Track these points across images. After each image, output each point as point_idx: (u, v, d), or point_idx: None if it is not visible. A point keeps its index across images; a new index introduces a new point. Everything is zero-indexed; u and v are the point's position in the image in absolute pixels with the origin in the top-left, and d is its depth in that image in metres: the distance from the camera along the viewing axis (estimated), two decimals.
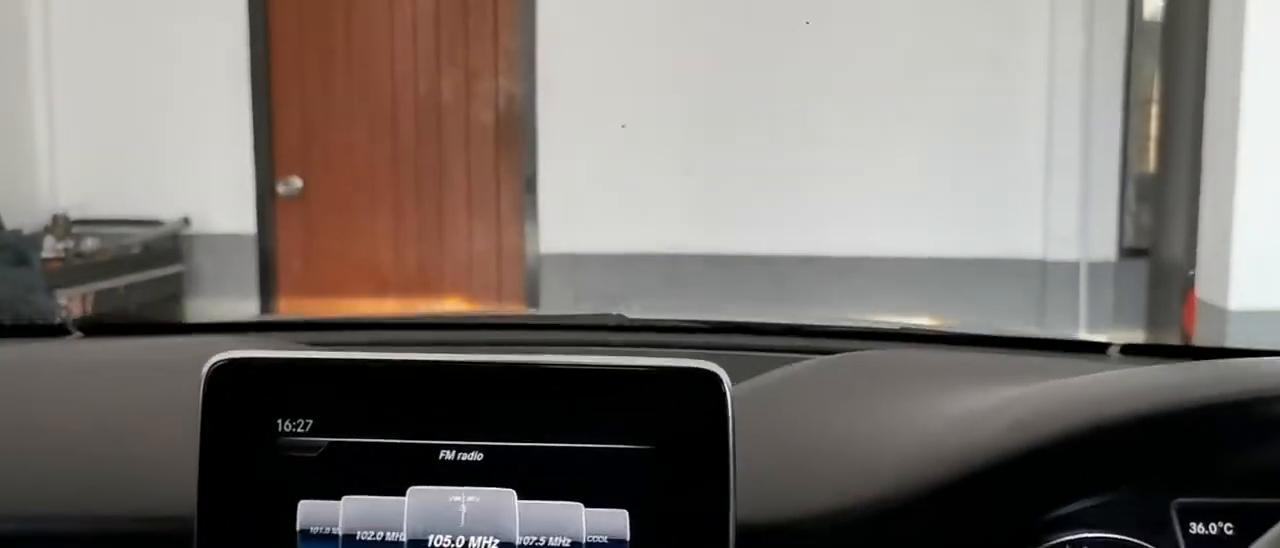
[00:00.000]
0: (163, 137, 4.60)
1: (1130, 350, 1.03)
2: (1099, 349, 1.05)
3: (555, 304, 4.61)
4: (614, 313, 1.14)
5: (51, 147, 4.66)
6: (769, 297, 4.40)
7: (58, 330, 1.15)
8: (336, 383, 0.63)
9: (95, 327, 1.15)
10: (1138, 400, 0.62)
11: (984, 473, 0.62)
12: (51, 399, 0.85)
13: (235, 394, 0.62)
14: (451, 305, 4.72)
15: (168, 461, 0.70)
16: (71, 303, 3.92)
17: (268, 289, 4.76)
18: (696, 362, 0.61)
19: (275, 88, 4.65)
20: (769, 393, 0.82)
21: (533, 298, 4.62)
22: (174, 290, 4.58)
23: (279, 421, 0.62)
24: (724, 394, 0.60)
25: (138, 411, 0.81)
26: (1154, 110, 4.30)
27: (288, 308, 4.77)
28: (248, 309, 4.68)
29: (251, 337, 1.12)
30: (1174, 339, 3.98)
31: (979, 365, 0.92)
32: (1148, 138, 4.34)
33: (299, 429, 0.62)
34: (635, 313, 1.24)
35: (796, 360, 0.94)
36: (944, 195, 4.38)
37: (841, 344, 1.01)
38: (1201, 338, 3.24)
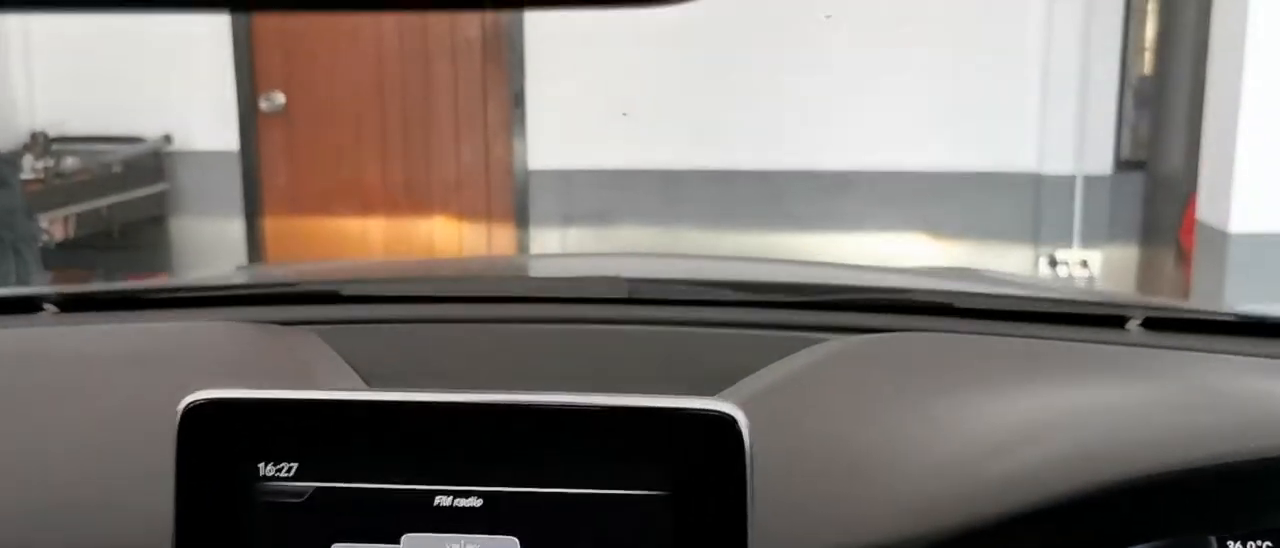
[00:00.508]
0: (142, 52, 4.47)
1: (1151, 325, 0.99)
2: (1118, 323, 1.01)
3: (545, 221, 4.54)
4: (622, 279, 1.09)
5: (27, 63, 4.55)
6: (765, 214, 4.35)
7: (31, 305, 1.09)
8: (323, 423, 0.58)
9: (71, 301, 1.10)
10: (1192, 449, 0.58)
11: (1025, 517, 0.58)
12: (19, 405, 0.80)
13: (212, 437, 0.58)
14: (439, 223, 4.66)
15: (144, 487, 0.66)
16: (53, 226, 3.86)
17: (252, 208, 4.69)
18: (714, 403, 0.56)
19: None
20: (786, 397, 0.77)
21: (522, 215, 4.56)
22: (157, 210, 4.51)
23: (261, 464, 0.58)
24: (742, 439, 0.56)
25: (113, 424, 0.76)
26: (1153, 16, 4.21)
27: (272, 228, 4.70)
28: (232, 231, 4.62)
29: (237, 310, 1.07)
30: (1169, 257, 3.96)
31: (1002, 354, 0.88)
32: (1146, 47, 4.25)
33: (283, 473, 0.58)
34: (638, 270, 1.19)
35: (815, 339, 0.89)
36: (939, 108, 4.30)
37: (859, 320, 0.97)
38: (1200, 260, 3.20)
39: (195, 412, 0.58)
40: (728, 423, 0.56)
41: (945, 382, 0.79)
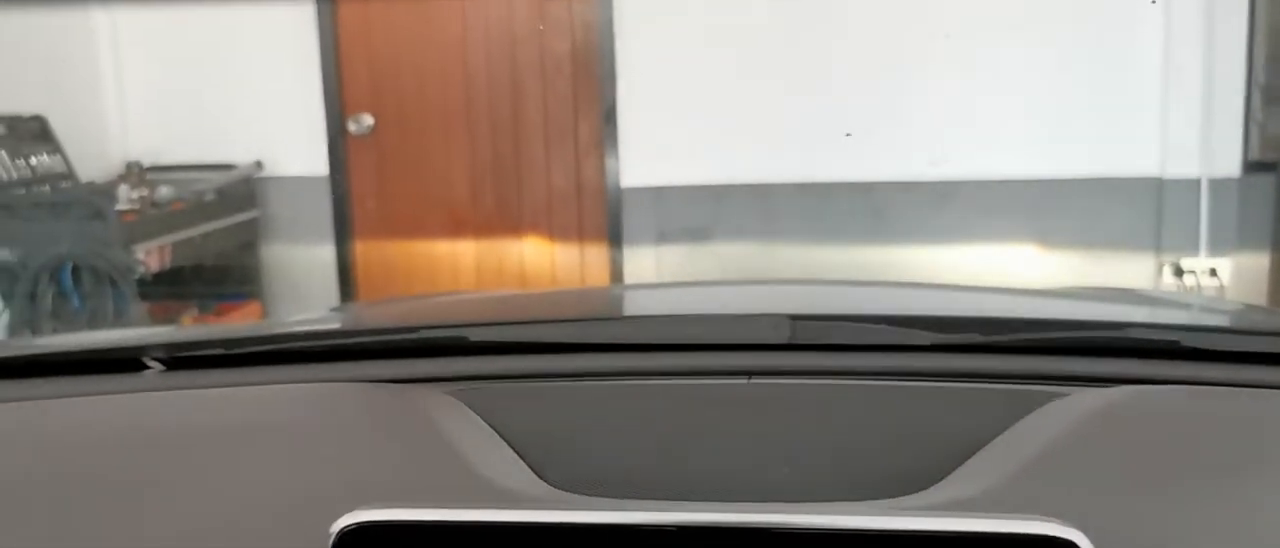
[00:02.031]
0: (231, 78, 4.47)
1: None
2: None
3: (638, 240, 4.42)
4: (782, 316, 0.95)
5: (120, 93, 4.56)
6: (866, 228, 4.18)
7: (135, 364, 0.99)
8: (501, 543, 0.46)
9: (178, 358, 0.99)
10: None
11: None
12: (131, 493, 0.69)
13: None
14: (531, 243, 4.56)
15: None
16: (149, 257, 3.83)
17: (342, 232, 4.64)
18: (1041, 524, 0.42)
19: (342, 22, 4.48)
20: (1071, 479, 0.63)
21: (615, 234, 4.44)
22: (249, 237, 4.49)
23: None
24: None
25: (237, 519, 0.64)
26: None
27: (363, 253, 4.65)
28: (324, 256, 4.57)
29: (355, 365, 0.96)
30: None
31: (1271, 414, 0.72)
32: (1277, 38, 3.99)
33: None
34: (791, 305, 1.04)
35: (1036, 393, 0.75)
36: (1050, 110, 4.09)
37: (1081, 366, 0.82)
38: None
39: (349, 538, 0.45)
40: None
41: (1232, 453, 0.64)
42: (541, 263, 4.56)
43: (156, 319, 3.96)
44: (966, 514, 0.45)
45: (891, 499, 0.60)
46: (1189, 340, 0.90)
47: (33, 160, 3.95)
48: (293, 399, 0.85)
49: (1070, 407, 0.71)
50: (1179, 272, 4.01)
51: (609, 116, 4.36)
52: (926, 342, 0.89)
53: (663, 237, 4.40)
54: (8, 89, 3.99)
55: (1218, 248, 4.01)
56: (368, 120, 4.54)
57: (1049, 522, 0.42)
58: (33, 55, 4.13)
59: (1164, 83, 4.00)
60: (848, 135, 4.09)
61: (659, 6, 4.20)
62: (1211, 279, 3.96)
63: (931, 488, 0.61)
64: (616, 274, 4.44)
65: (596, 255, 4.50)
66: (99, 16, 4.49)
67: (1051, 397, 0.73)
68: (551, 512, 0.50)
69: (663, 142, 4.31)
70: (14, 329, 3.65)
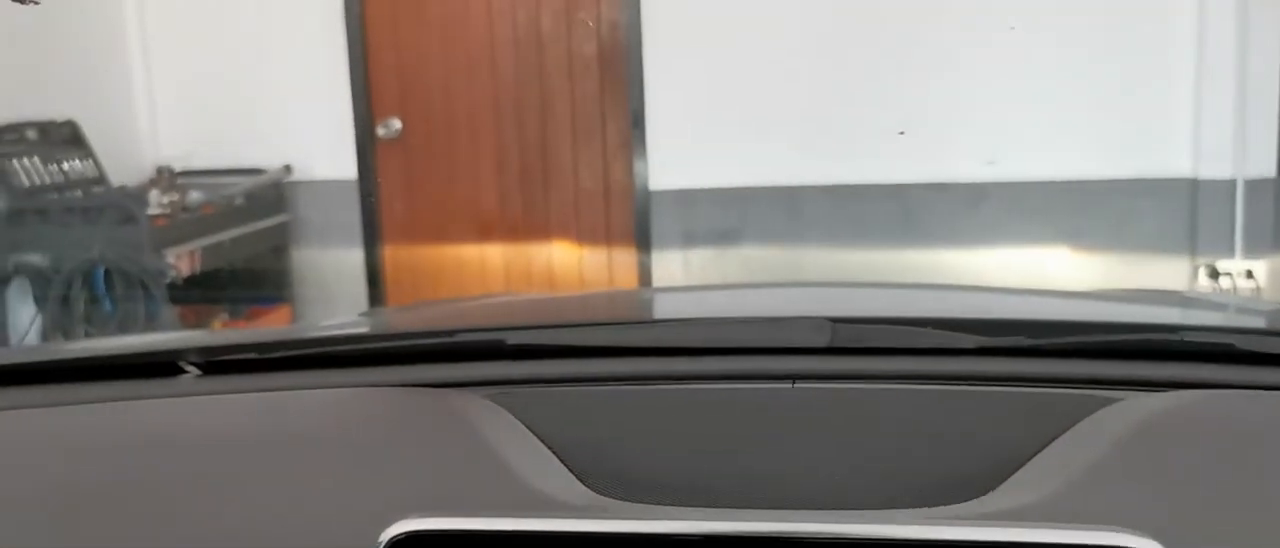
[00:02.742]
0: (260, 83, 4.49)
1: None
2: None
3: (666, 242, 4.41)
4: (822, 319, 0.93)
5: (151, 98, 4.59)
6: (896, 230, 4.15)
7: (171, 366, 0.99)
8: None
9: (214, 362, 0.99)
10: None
11: None
12: (170, 501, 0.68)
13: None
14: (559, 246, 4.56)
15: None
16: (179, 261, 3.85)
17: (371, 236, 4.65)
18: (1113, 535, 0.41)
19: (370, 26, 4.49)
20: (1134, 485, 0.61)
21: (643, 237, 4.43)
22: (279, 241, 4.50)
23: None
24: None
25: (279, 525, 0.64)
26: None
27: (392, 256, 4.66)
28: (353, 259, 4.59)
29: (393, 369, 0.95)
30: None
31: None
32: None
33: None
34: (829, 309, 1.03)
35: (1086, 397, 0.73)
36: (1082, 110, 4.05)
37: (1131, 369, 0.80)
38: None
39: (399, 545, 0.44)
40: None
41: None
42: (569, 266, 4.56)
43: (188, 323, 3.98)
44: (1030, 524, 0.44)
45: (946, 507, 0.58)
46: (1244, 343, 0.88)
47: (65, 165, 3.98)
48: (331, 404, 0.84)
49: (1127, 411, 0.70)
50: (1214, 273, 3.96)
51: (637, 119, 4.35)
52: (972, 345, 0.88)
53: (691, 239, 4.39)
54: (40, 94, 4.03)
55: (1253, 249, 3.96)
56: (396, 124, 4.55)
57: (1121, 532, 0.41)
58: (64, 61, 4.16)
59: (1197, 84, 3.95)
60: (902, 133, 4.04)
61: (686, 8, 4.19)
62: (1248, 281, 3.91)
63: (986, 495, 0.60)
64: (645, 277, 4.43)
65: (624, 258, 4.49)
66: (130, 22, 4.52)
67: (1105, 401, 0.72)
68: (601, 521, 0.49)
69: (690, 144, 4.29)
70: (47, 333, 3.67)
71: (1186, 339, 0.87)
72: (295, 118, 4.53)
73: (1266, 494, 0.60)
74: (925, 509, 0.57)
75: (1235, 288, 3.90)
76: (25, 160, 3.84)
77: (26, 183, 3.80)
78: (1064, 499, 0.56)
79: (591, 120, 4.44)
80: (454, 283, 4.59)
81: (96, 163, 4.12)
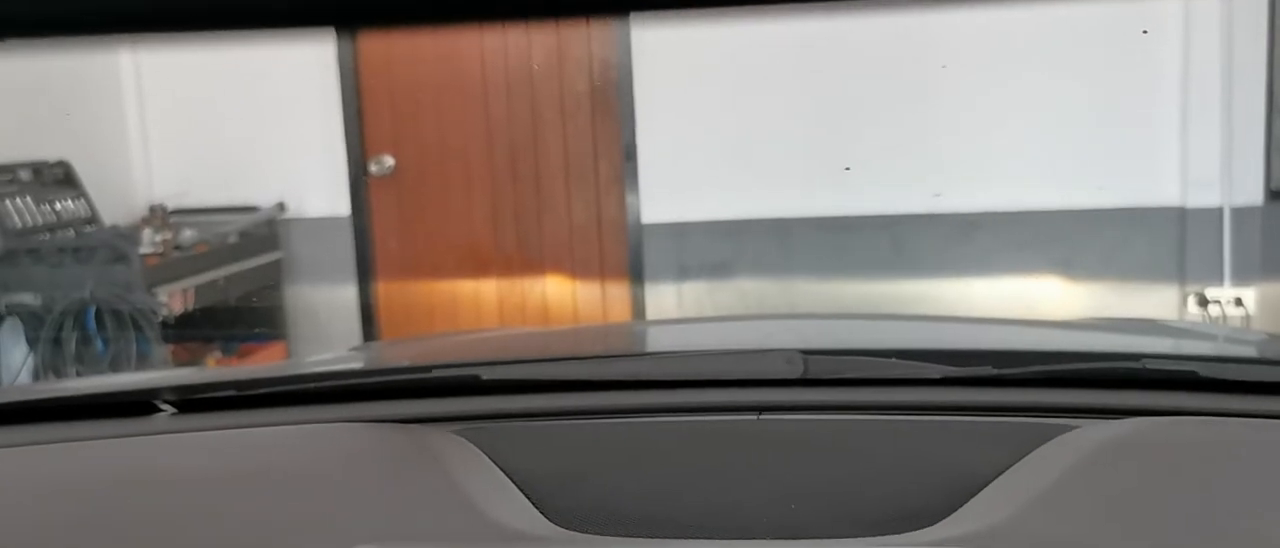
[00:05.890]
0: (253, 121, 4.51)
1: None
2: None
3: (660, 276, 4.42)
4: (794, 352, 0.94)
5: (144, 137, 4.61)
6: (888, 262, 4.16)
7: (146, 406, 1.00)
8: None
9: (189, 401, 1.00)
10: None
11: None
12: (132, 537, 0.69)
13: None
14: (552, 281, 4.57)
15: None
16: (172, 299, 3.86)
17: (364, 272, 4.66)
18: None
19: (363, 64, 4.53)
20: (1080, 514, 0.62)
21: (636, 271, 4.44)
22: (273, 279, 4.51)
23: None
24: None
25: None
26: None
27: (386, 292, 4.67)
28: (346, 296, 4.59)
29: (366, 406, 0.96)
30: None
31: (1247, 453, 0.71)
32: None
33: None
34: (803, 340, 1.04)
35: (1046, 426, 0.74)
36: (1071, 142, 4.08)
37: (1093, 398, 0.81)
38: None
39: None
40: None
41: (1248, 482, 0.63)
42: (563, 301, 4.57)
43: (180, 362, 3.98)
44: None
45: (899, 536, 0.59)
46: (1206, 371, 0.89)
47: (57, 205, 4.00)
48: (301, 441, 0.85)
49: (1080, 439, 0.70)
50: (1203, 301, 3.97)
51: (629, 154, 4.37)
52: (938, 375, 0.89)
53: (684, 272, 4.40)
54: (32, 135, 4.05)
55: (1241, 277, 3.97)
56: (389, 161, 4.57)
57: None
58: (57, 101, 4.19)
59: (1184, 114, 3.98)
60: (847, 169, 4.09)
61: (676, 45, 4.22)
62: (1237, 309, 3.92)
63: (939, 524, 0.60)
64: (638, 310, 4.44)
65: (618, 292, 4.50)
66: (123, 62, 4.55)
67: (1063, 429, 0.73)
68: None
69: (682, 178, 4.32)
70: (39, 373, 3.67)
71: (1148, 367, 0.88)
72: (288, 156, 4.55)
73: (1216, 519, 0.61)
74: (877, 538, 0.58)
75: (1224, 315, 3.91)
76: (18, 201, 3.85)
77: (19, 223, 3.81)
78: (1012, 527, 0.56)
79: (584, 155, 4.46)
80: (448, 319, 4.59)
81: (89, 202, 4.14)
